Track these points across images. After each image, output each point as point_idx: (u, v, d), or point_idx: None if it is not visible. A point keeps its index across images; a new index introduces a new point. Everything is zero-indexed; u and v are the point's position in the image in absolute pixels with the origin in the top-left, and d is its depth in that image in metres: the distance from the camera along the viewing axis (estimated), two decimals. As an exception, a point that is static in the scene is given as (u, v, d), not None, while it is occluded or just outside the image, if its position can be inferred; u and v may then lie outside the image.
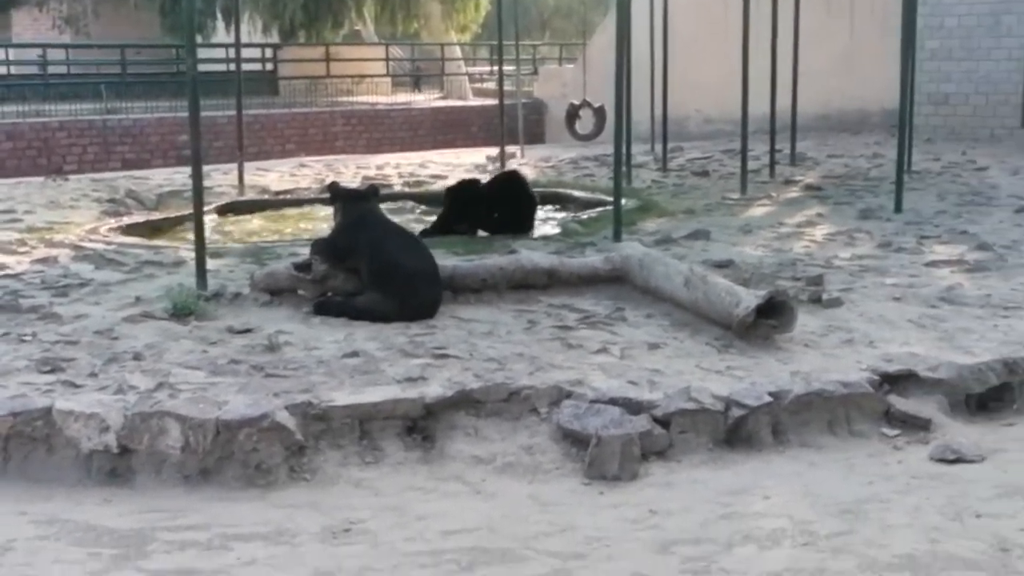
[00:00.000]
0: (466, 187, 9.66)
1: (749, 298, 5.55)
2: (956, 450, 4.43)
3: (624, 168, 10.72)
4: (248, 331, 5.64)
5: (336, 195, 6.67)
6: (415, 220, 9.97)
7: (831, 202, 10.63)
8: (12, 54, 26.42)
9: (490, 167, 14.30)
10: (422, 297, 6.03)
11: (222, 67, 22.96)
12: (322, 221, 9.67)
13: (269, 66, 26.22)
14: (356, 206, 6.45)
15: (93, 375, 4.89)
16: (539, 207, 10.03)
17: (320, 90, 24.85)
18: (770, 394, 4.68)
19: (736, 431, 4.57)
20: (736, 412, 4.57)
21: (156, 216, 10.45)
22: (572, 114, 18.63)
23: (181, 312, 5.89)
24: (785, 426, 4.66)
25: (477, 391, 4.65)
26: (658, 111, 14.52)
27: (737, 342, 5.52)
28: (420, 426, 4.52)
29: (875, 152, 14.98)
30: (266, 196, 11.86)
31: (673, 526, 3.76)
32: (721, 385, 4.81)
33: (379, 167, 14.42)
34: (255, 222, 10.61)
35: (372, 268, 6.09)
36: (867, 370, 5.03)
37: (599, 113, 18.04)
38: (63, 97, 21.17)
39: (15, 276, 7.04)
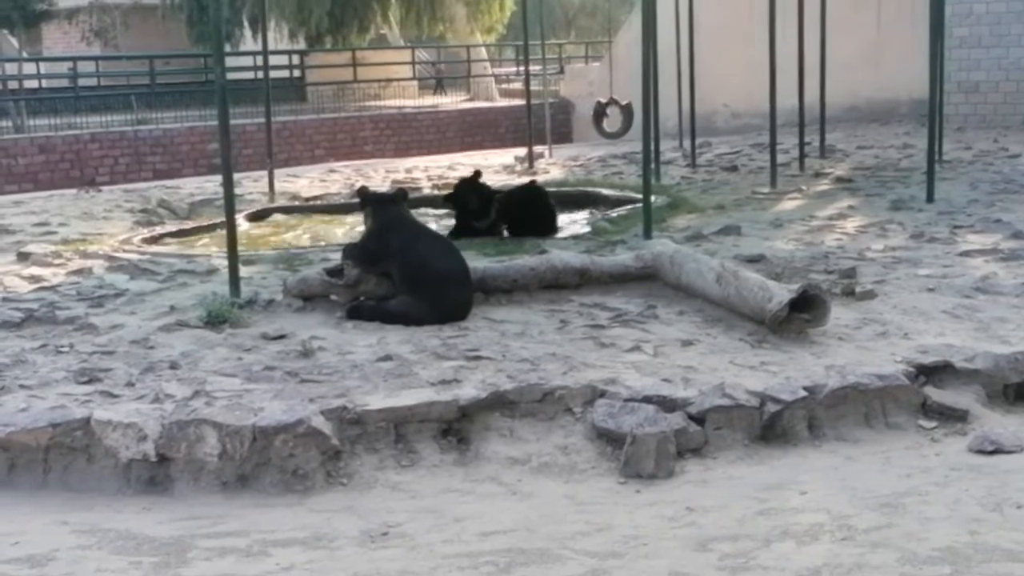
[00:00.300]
0: (462, 186, 9.57)
1: (782, 292, 5.53)
2: (995, 441, 4.39)
3: (653, 165, 10.68)
4: (282, 337, 5.67)
5: (366, 200, 6.69)
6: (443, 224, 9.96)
7: (862, 194, 10.56)
8: (43, 68, 26.69)
9: (518, 167, 14.32)
10: (454, 299, 6.04)
11: (250, 75, 23.12)
12: (352, 226, 9.70)
13: (296, 73, 26.33)
14: (386, 210, 6.47)
15: (130, 385, 4.93)
16: (566, 208, 10.05)
17: (347, 95, 24.96)
18: (805, 388, 4.66)
19: (771, 426, 4.56)
20: (771, 407, 4.55)
21: (188, 225, 10.51)
22: (599, 112, 18.59)
23: (215, 320, 5.93)
24: (821, 420, 4.64)
25: (511, 392, 4.65)
26: (685, 107, 14.48)
27: (770, 337, 5.50)
28: (455, 428, 4.53)
29: (905, 142, 14.86)
30: (296, 202, 11.92)
31: (710, 523, 3.75)
32: (755, 381, 4.79)
33: (408, 170, 14.46)
34: (287, 228, 10.66)
35: (403, 271, 6.10)
36: (902, 362, 5.00)
37: (626, 111, 17.98)
38: (94, 109, 21.38)
39: (51, 288, 7.10)
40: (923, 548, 3.40)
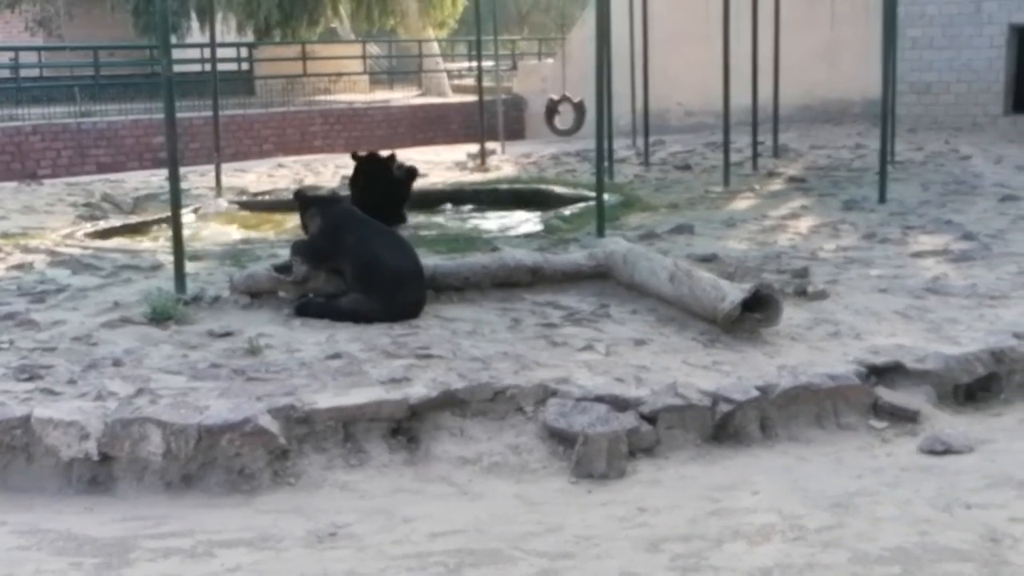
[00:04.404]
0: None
1: (734, 292, 5.52)
2: (945, 441, 4.41)
3: (606, 163, 10.68)
4: (229, 334, 5.58)
5: (308, 203, 6.53)
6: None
7: (815, 194, 10.63)
8: (-16, 58, 26.21)
9: (470, 164, 14.28)
10: (405, 297, 5.97)
11: (197, 67, 22.83)
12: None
13: (245, 66, 26.06)
14: (334, 208, 6.39)
15: (72, 382, 4.82)
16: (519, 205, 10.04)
17: (297, 89, 24.74)
18: (757, 388, 4.65)
19: (724, 426, 4.55)
20: (723, 407, 4.54)
21: (133, 220, 10.35)
22: (552, 109, 18.64)
23: (160, 316, 5.82)
24: (773, 420, 4.63)
25: (462, 391, 4.61)
26: (639, 105, 14.50)
27: (723, 337, 5.49)
28: (405, 427, 4.48)
29: (858, 142, 14.99)
30: (244, 197, 11.77)
31: (662, 523, 3.72)
32: (708, 380, 4.78)
33: (359, 166, 14.32)
34: (234, 223, 10.52)
35: (355, 268, 6.02)
36: (854, 362, 5.01)
37: (579, 108, 18.04)
38: (36, 100, 20.98)
39: (-9, 282, 6.96)
40: (874, 548, 3.40)
